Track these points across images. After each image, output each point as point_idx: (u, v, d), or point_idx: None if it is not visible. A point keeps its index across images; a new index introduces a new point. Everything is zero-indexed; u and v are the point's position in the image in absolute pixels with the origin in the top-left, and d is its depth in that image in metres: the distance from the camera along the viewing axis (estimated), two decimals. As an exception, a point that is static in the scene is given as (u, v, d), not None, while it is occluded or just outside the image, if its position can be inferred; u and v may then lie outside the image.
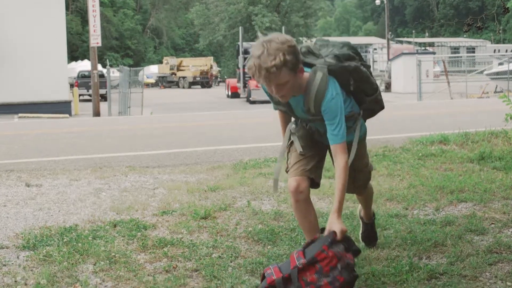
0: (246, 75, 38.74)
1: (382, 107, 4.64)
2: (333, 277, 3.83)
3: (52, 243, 5.42)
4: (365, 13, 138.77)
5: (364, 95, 4.41)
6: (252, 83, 36.50)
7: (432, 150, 9.69)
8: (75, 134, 15.80)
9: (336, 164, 4.09)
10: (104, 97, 33.69)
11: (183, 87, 65.68)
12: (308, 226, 4.48)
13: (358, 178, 4.60)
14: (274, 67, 3.76)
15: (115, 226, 6.00)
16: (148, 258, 5.02)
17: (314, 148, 4.46)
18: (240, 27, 44.08)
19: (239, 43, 41.29)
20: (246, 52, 39.53)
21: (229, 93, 43.23)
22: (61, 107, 29.40)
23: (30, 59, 28.84)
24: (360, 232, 5.22)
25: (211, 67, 68.10)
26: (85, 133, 16.05)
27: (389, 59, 49.50)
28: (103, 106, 29.90)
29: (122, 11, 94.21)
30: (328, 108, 4.01)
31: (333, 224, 3.96)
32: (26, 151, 12.08)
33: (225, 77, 75.26)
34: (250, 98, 36.97)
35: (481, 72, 39.30)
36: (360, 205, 5.24)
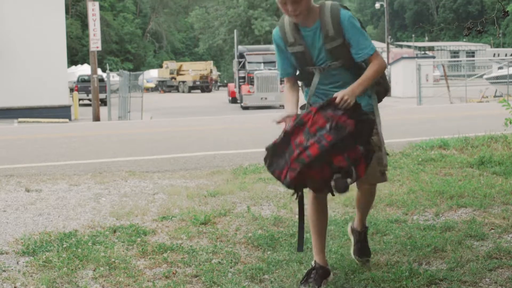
0: (240, 80, 37.97)
1: (386, 89, 4.61)
2: (320, 135, 3.87)
3: (51, 249, 5.42)
4: (365, 17, 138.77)
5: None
6: (244, 88, 35.58)
7: (432, 155, 9.69)
8: (75, 139, 15.80)
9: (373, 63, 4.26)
10: (104, 102, 33.71)
11: (183, 92, 65.69)
12: (318, 225, 4.52)
13: (380, 158, 4.47)
14: None
15: (114, 231, 6.00)
16: (147, 264, 5.02)
17: None
18: (235, 30, 43.47)
19: (235, 46, 40.52)
20: (241, 56, 38.58)
21: (230, 98, 42.45)
22: (61, 112, 29.39)
23: (30, 63, 28.85)
24: (352, 245, 5.01)
25: (211, 72, 68.09)
26: (85, 138, 16.05)
27: (388, 63, 49.51)
28: (103, 110, 29.91)
29: (122, 15, 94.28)
30: (349, 23, 4.19)
31: (341, 91, 4.06)
32: (26, 156, 12.08)
33: (225, 81, 75.25)
34: (242, 104, 35.86)
35: (481, 76, 39.29)
36: (354, 219, 5.12)
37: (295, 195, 4.14)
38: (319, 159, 3.85)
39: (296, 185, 4.03)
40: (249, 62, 37.45)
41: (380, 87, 4.54)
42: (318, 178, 3.94)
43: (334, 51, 4.25)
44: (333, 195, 4.03)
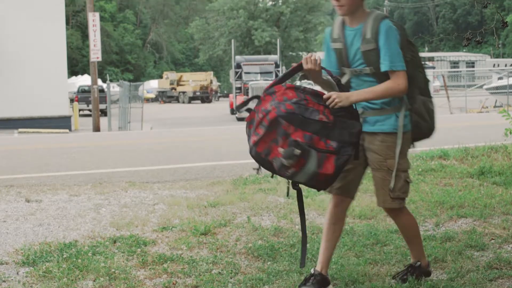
0: (237, 91, 36.72)
1: (430, 129, 4.54)
2: (282, 103, 3.98)
3: (51, 259, 5.42)
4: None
5: (416, 89, 4.42)
6: (239, 99, 34.60)
7: (432, 165, 9.69)
8: (75, 149, 15.80)
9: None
10: (104, 112, 33.72)
11: (183, 102, 65.68)
12: (329, 236, 4.52)
13: (397, 182, 4.36)
14: None
15: (115, 242, 6.00)
16: (148, 274, 5.01)
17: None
18: (232, 40, 42.94)
19: (232, 56, 39.63)
20: (238, 66, 37.71)
21: (231, 109, 41.33)
22: (61, 122, 29.38)
23: (30, 74, 28.86)
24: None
25: (211, 82, 68.10)
26: (85, 148, 16.05)
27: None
28: (103, 121, 29.93)
29: (122, 25, 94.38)
30: (385, 30, 4.23)
31: (336, 92, 4.16)
32: (26, 166, 12.08)
33: (225, 92, 75.26)
34: (236, 115, 34.96)
35: (481, 86, 39.32)
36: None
37: (257, 171, 4.22)
38: (275, 125, 3.94)
39: (260, 157, 4.06)
40: (245, 73, 36.77)
41: (425, 123, 4.48)
42: (280, 157, 3.97)
43: (367, 55, 4.29)
44: (282, 174, 4.03)
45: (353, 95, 4.18)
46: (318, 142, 3.94)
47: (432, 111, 4.50)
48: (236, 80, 36.89)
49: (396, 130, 4.34)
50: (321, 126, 3.97)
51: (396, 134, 4.35)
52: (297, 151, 3.90)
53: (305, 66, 4.23)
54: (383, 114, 4.35)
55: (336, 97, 4.09)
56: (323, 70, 4.29)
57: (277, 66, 37.34)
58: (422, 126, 4.48)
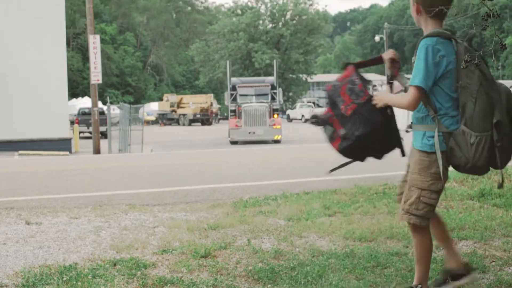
0: (231, 113, 35.32)
1: (467, 163, 4.48)
2: (332, 81, 4.74)
3: (51, 282, 5.40)
4: (365, 50, 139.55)
5: (463, 118, 4.30)
6: (232, 122, 33.84)
7: (432, 187, 9.66)
8: (75, 171, 15.81)
9: None
10: (104, 135, 33.74)
11: (183, 125, 65.80)
12: (434, 230, 4.78)
13: (409, 196, 4.52)
14: None
15: (115, 264, 5.98)
16: (148, 297, 5.00)
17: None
18: (227, 61, 42.44)
19: (228, 78, 38.79)
20: (234, 88, 36.05)
21: None
22: (62, 144, 29.39)
23: (30, 96, 28.91)
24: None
25: (211, 104, 68.25)
26: (85, 171, 16.05)
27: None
28: (103, 143, 29.93)
29: (122, 48, 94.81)
30: (419, 49, 4.33)
31: (382, 93, 4.56)
32: (26, 189, 12.08)
33: (225, 114, 75.32)
34: (229, 139, 34.23)
35: (481, 108, 39.27)
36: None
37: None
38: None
39: None
40: (240, 95, 35.45)
41: (460, 154, 4.36)
42: None
43: (413, 68, 4.37)
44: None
45: (386, 97, 4.48)
46: (336, 123, 4.64)
47: (472, 145, 4.28)
48: (231, 103, 36.01)
49: (423, 148, 4.44)
50: (340, 114, 4.59)
51: (423, 152, 4.44)
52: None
53: (385, 56, 4.66)
54: (417, 130, 4.48)
55: (376, 97, 4.49)
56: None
57: (273, 88, 36.53)
58: (457, 156, 4.38)
